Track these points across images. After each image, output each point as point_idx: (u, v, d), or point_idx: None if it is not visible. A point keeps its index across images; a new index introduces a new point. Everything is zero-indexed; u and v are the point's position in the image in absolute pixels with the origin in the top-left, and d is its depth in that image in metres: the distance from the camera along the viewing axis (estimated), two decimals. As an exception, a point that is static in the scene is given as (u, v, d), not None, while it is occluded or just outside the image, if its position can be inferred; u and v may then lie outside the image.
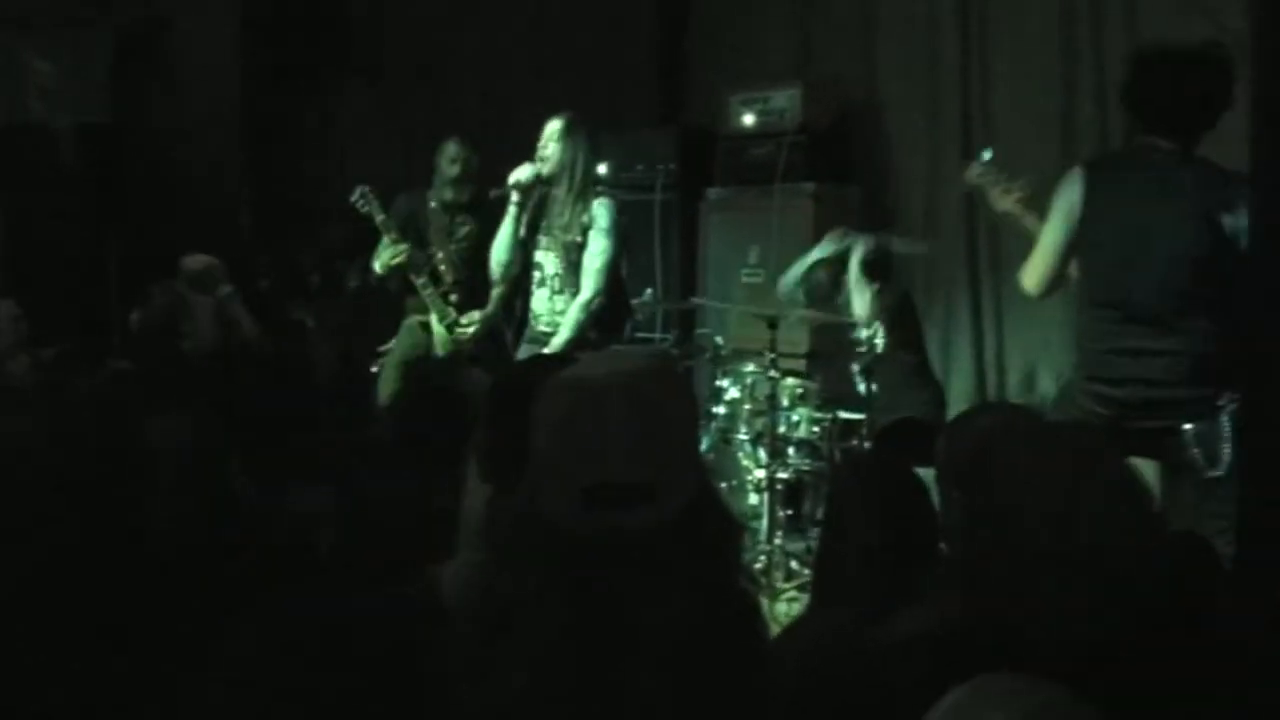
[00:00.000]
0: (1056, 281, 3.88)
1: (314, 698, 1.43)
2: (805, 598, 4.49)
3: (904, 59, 6.52)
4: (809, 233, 6.15)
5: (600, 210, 4.87)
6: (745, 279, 6.43)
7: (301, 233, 7.41)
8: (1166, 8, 5.42)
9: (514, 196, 4.96)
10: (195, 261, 5.38)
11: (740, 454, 5.36)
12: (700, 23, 7.52)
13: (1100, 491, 1.96)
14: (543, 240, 4.99)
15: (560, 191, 4.89)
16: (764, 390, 5.13)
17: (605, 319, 4.92)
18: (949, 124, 6.33)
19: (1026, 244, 4.01)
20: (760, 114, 6.52)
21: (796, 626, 2.62)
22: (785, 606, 4.66)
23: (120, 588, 1.42)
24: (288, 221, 7.57)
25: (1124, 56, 4.13)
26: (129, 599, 1.43)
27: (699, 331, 6.35)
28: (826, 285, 5.44)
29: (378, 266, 5.66)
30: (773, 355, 5.02)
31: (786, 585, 4.85)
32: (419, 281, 5.58)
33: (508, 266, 5.10)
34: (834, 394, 5.37)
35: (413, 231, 5.69)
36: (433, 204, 5.72)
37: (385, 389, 5.75)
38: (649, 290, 6.05)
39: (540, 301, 5.04)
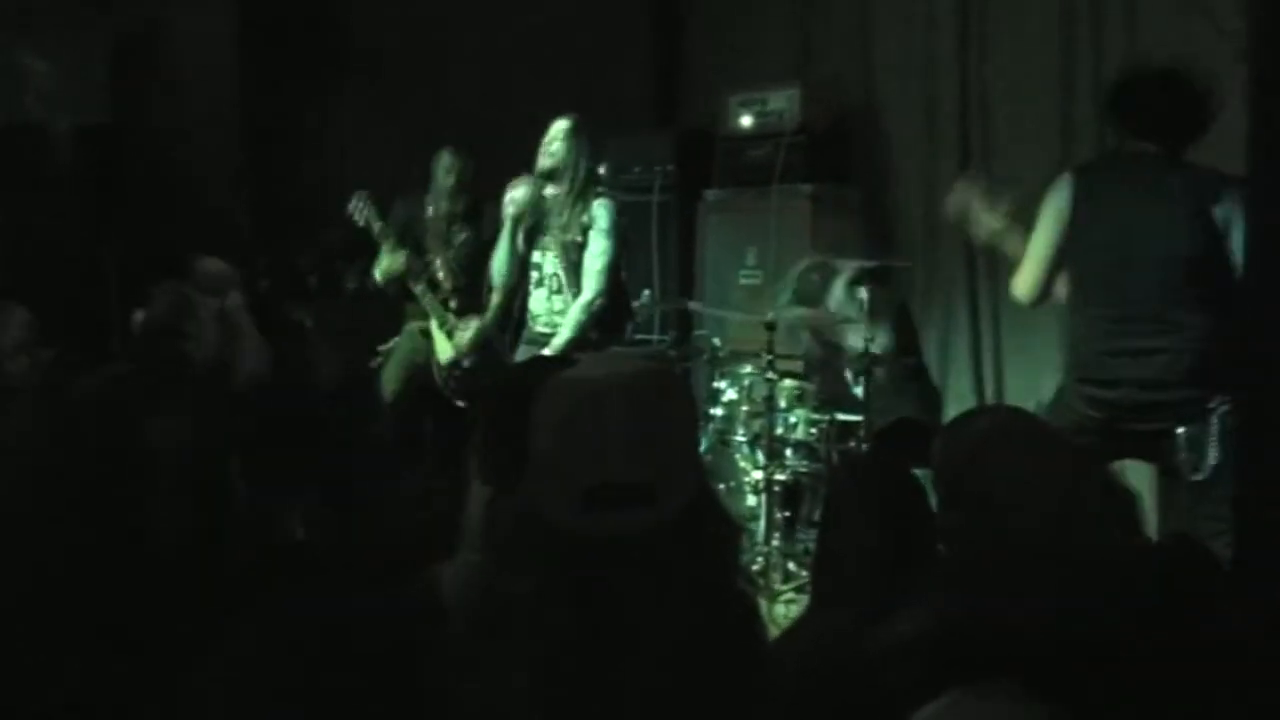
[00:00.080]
0: (1048, 288, 3.89)
1: (314, 698, 1.44)
2: (803, 599, 4.49)
3: (902, 60, 6.52)
4: (807, 234, 6.17)
5: (600, 211, 4.87)
6: (743, 280, 6.43)
7: (300, 234, 7.41)
8: (1166, 9, 5.43)
9: (510, 212, 4.98)
10: (211, 264, 5.39)
11: (738, 456, 5.36)
12: (698, 24, 7.52)
13: (1095, 493, 1.97)
14: (542, 240, 5.00)
15: (561, 191, 4.90)
16: (761, 392, 5.13)
17: (606, 320, 4.93)
18: (947, 125, 6.33)
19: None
20: (758, 115, 6.52)
21: (795, 628, 2.62)
22: (783, 608, 4.66)
23: (120, 588, 1.42)
24: (286, 222, 7.56)
25: (1117, 69, 4.16)
26: (129, 599, 1.43)
27: (696, 333, 6.35)
28: (818, 286, 5.46)
29: (378, 275, 5.72)
30: (770, 357, 5.01)
31: (784, 587, 4.85)
32: (417, 288, 5.62)
33: (507, 277, 5.12)
34: (831, 396, 5.37)
35: (411, 238, 5.74)
36: (430, 210, 5.75)
37: (388, 388, 5.80)
38: (646, 291, 6.06)
39: (538, 301, 5.04)
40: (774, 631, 3.55)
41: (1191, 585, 2.26)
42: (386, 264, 5.66)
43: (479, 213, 5.63)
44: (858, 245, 5.78)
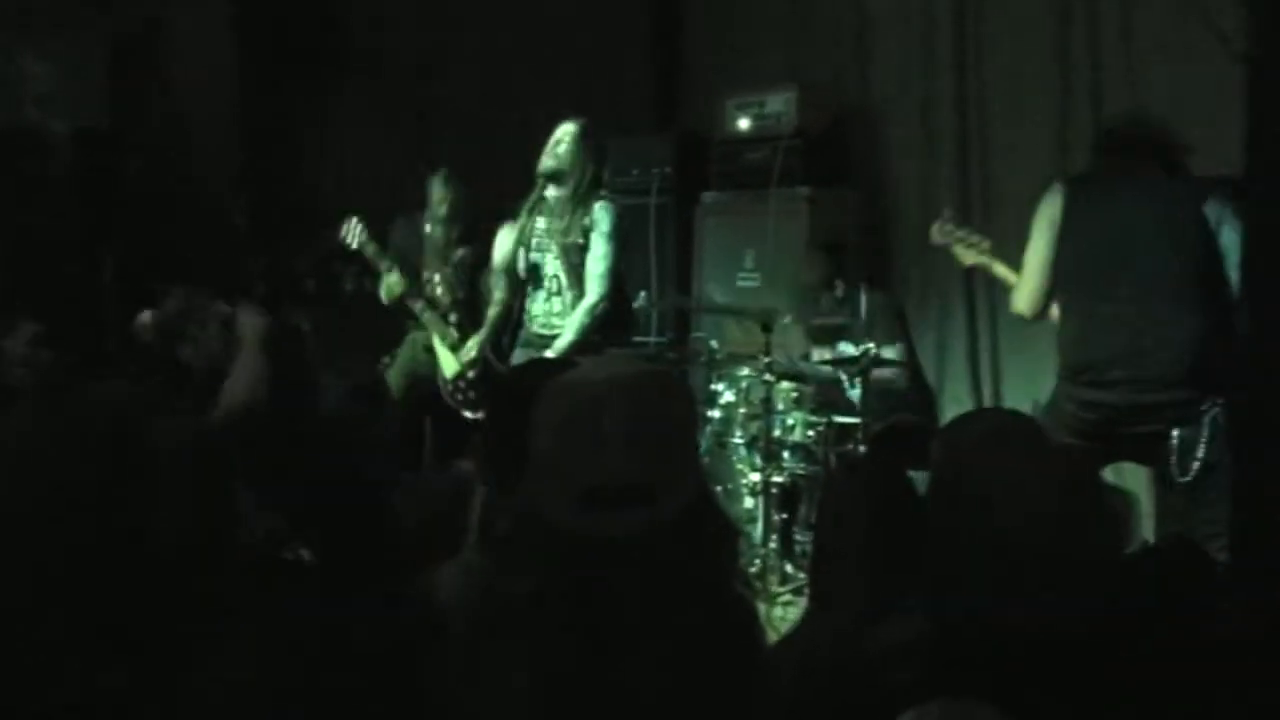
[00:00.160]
0: (1049, 298, 3.90)
1: (314, 698, 1.44)
2: (801, 601, 4.50)
3: (899, 62, 6.53)
4: (804, 236, 6.17)
5: (602, 213, 4.87)
6: (741, 283, 6.43)
7: (299, 236, 7.41)
8: (1162, 12, 5.44)
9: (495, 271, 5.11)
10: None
11: (735, 458, 5.36)
12: (695, 27, 7.53)
13: (1090, 496, 1.97)
14: (542, 242, 4.99)
15: (564, 194, 4.90)
16: (759, 394, 5.13)
17: (608, 324, 4.93)
18: (944, 128, 6.33)
19: (1016, 258, 4.05)
20: (756, 118, 6.53)
21: (792, 633, 2.62)
22: (781, 610, 4.66)
23: (120, 588, 1.43)
24: (285, 225, 7.56)
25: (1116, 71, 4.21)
26: (129, 599, 1.43)
27: (694, 335, 6.36)
28: (817, 279, 5.50)
29: (384, 298, 5.79)
30: (768, 359, 5.02)
31: (782, 589, 4.85)
32: (417, 306, 5.69)
33: (505, 296, 5.18)
34: (827, 399, 5.38)
35: (411, 256, 5.84)
36: (429, 228, 5.87)
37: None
38: (643, 293, 6.06)
39: (537, 303, 5.04)
40: (772, 635, 3.55)
41: (1188, 587, 2.27)
42: (387, 286, 5.74)
43: (475, 233, 5.70)
44: (855, 247, 5.78)
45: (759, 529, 5.02)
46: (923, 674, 1.87)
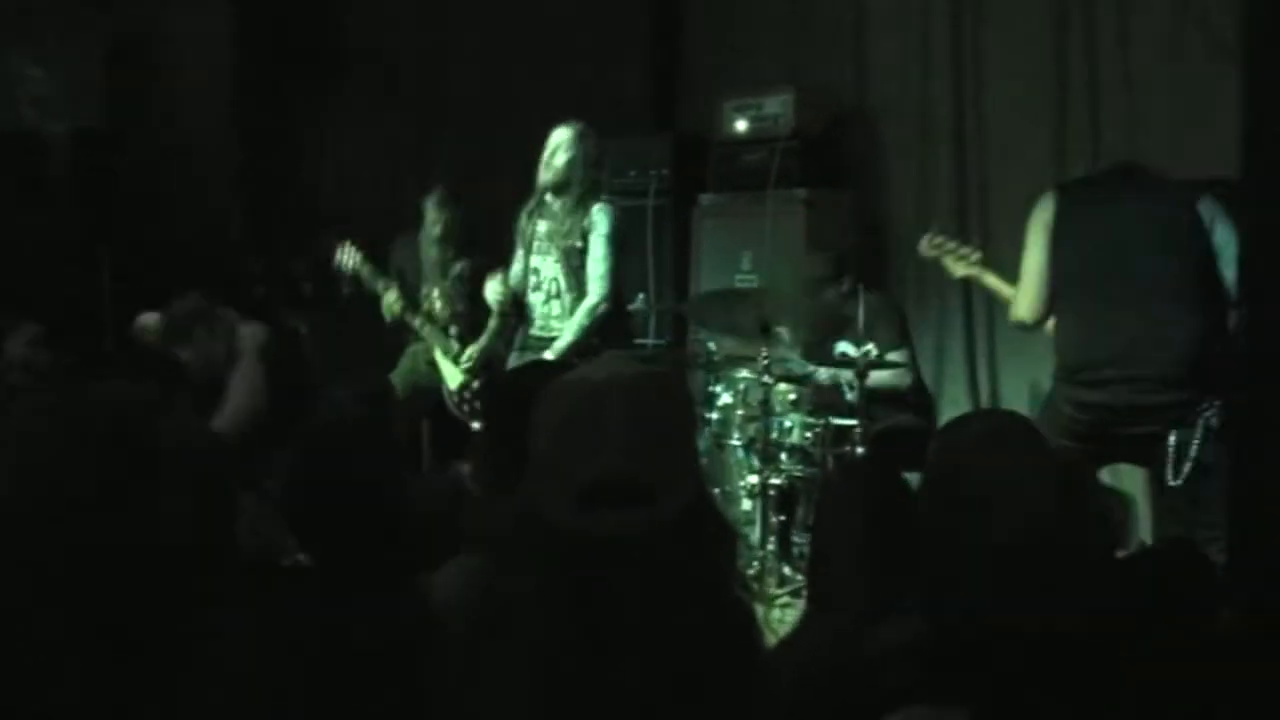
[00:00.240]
0: (1048, 304, 3.90)
1: (314, 698, 1.44)
2: (799, 603, 4.50)
3: (896, 65, 6.53)
4: (802, 239, 6.17)
5: (600, 215, 4.88)
6: (738, 284, 6.43)
7: (296, 239, 7.42)
8: (1158, 14, 5.45)
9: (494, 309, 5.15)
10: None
11: (733, 460, 5.36)
12: (693, 29, 7.52)
13: (1086, 497, 1.98)
14: (542, 245, 4.99)
15: (564, 200, 4.90)
16: (757, 396, 5.13)
17: (607, 327, 4.93)
18: (941, 130, 6.34)
19: (1013, 260, 4.06)
20: (753, 120, 6.52)
21: (791, 636, 2.63)
22: (779, 613, 4.65)
23: (120, 588, 1.43)
24: (281, 228, 7.57)
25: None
26: (129, 599, 1.43)
27: (692, 338, 6.36)
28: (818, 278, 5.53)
29: (386, 316, 5.86)
30: (766, 361, 5.01)
31: (779, 591, 4.84)
32: (416, 321, 5.73)
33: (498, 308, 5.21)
34: (825, 401, 5.38)
35: (411, 275, 5.94)
36: (424, 248, 5.95)
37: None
38: (641, 296, 6.06)
39: (535, 306, 5.04)
40: (770, 637, 3.56)
41: (1186, 588, 2.27)
42: (386, 304, 5.82)
43: (473, 246, 5.76)
44: (852, 249, 5.78)
45: (757, 531, 5.01)
46: (921, 675, 1.87)
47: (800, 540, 5.08)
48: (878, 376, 5.07)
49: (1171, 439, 3.61)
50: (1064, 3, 5.86)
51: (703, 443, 5.28)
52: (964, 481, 2.04)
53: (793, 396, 5.27)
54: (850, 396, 5.13)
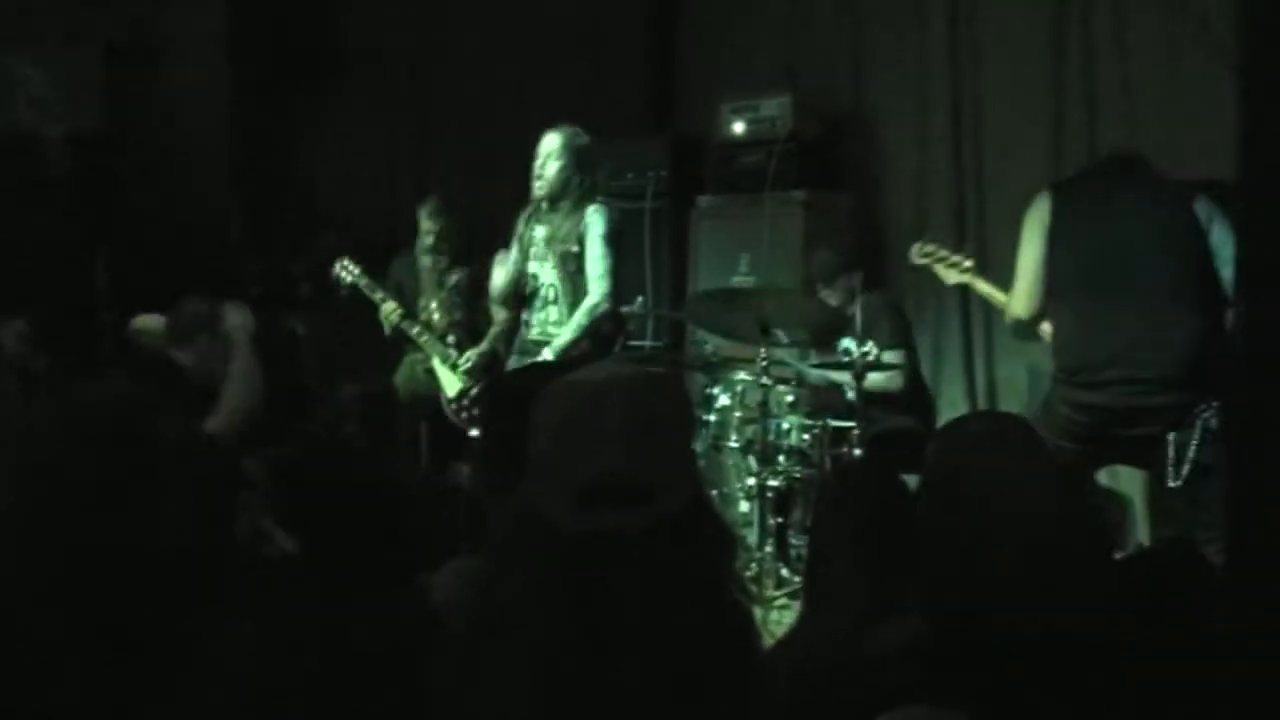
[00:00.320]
0: (1044, 300, 3.90)
1: (314, 698, 1.44)
2: (796, 605, 4.49)
3: (893, 66, 6.54)
4: (800, 240, 6.18)
5: (595, 217, 4.86)
6: (736, 287, 6.43)
7: (292, 241, 7.42)
8: (1155, 15, 5.45)
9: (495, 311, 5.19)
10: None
11: (731, 462, 5.36)
12: (690, 31, 7.53)
13: (1084, 498, 1.98)
14: (539, 250, 4.98)
15: (560, 206, 4.89)
16: (755, 398, 5.13)
17: (602, 330, 4.91)
18: (939, 131, 6.34)
19: (1011, 261, 4.06)
20: (750, 122, 6.52)
21: (789, 636, 2.63)
22: (777, 615, 4.65)
23: (120, 588, 1.43)
24: (278, 230, 7.57)
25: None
26: (129, 599, 1.43)
27: (691, 339, 6.37)
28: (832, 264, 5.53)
29: (386, 328, 5.92)
30: (764, 363, 5.02)
31: (777, 593, 4.84)
32: (414, 331, 5.77)
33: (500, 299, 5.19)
34: (823, 403, 5.38)
35: (410, 289, 6.04)
36: (420, 259, 6.06)
37: None
38: (639, 298, 6.06)
39: (534, 310, 5.04)
40: (768, 639, 3.56)
41: (1184, 589, 2.27)
42: (384, 314, 5.89)
43: (470, 255, 5.81)
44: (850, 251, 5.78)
45: (754, 533, 5.02)
46: (921, 675, 1.87)
47: (798, 542, 5.09)
48: (870, 378, 5.08)
49: (1170, 440, 3.61)
50: (1061, 5, 5.86)
51: (700, 445, 5.29)
52: (963, 482, 2.05)
53: (790, 398, 5.27)
54: (849, 396, 5.13)
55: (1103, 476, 4.43)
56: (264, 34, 7.52)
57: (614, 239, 4.90)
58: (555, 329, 4.92)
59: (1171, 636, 2.07)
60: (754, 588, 4.79)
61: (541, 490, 1.64)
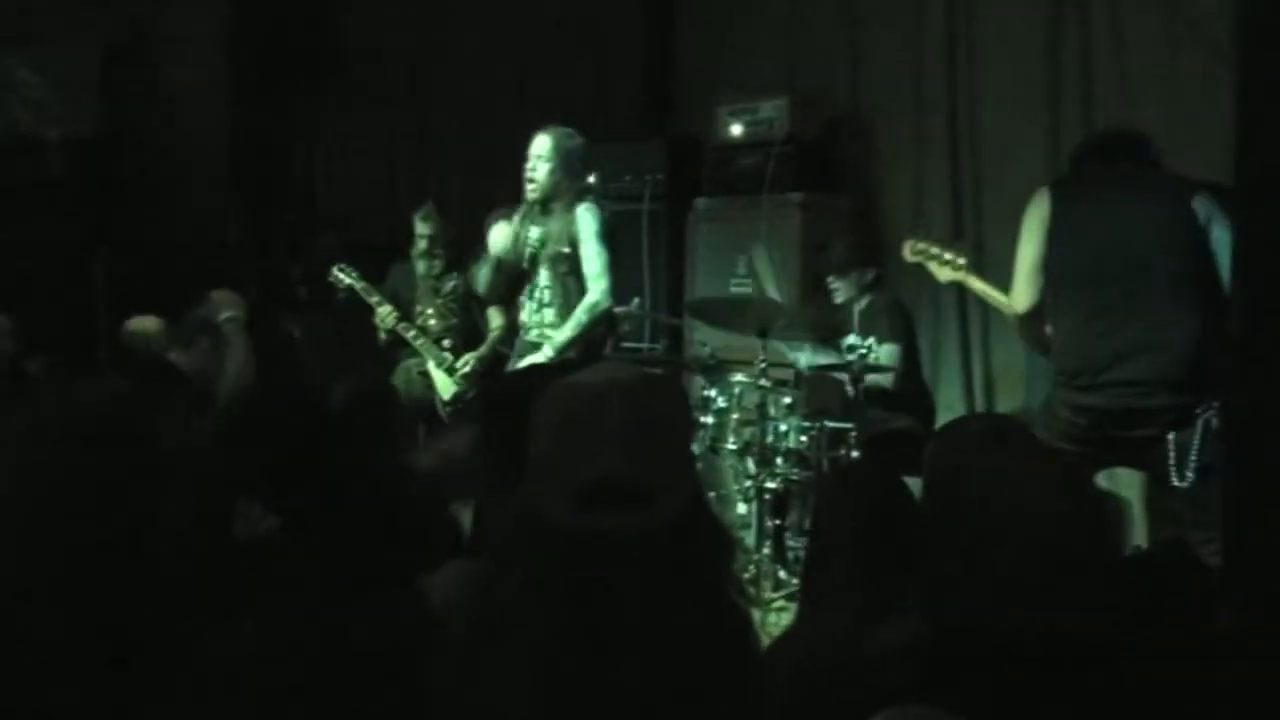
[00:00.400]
0: (1043, 293, 3.88)
1: (314, 698, 1.44)
2: (794, 607, 4.49)
3: (890, 68, 6.54)
4: (797, 243, 6.18)
5: (586, 216, 4.83)
6: (734, 289, 6.44)
7: (289, 245, 7.43)
8: (1152, 18, 5.45)
9: (492, 252, 5.05)
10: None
11: (728, 464, 5.36)
12: (688, 33, 7.53)
13: (1085, 498, 1.98)
14: (534, 252, 4.97)
15: (553, 207, 4.87)
16: (752, 400, 5.13)
17: (597, 332, 4.89)
18: (936, 133, 6.34)
19: (1009, 261, 4.05)
20: (748, 124, 6.53)
21: (787, 636, 2.63)
22: (775, 617, 4.65)
23: (120, 587, 1.43)
24: (277, 231, 7.58)
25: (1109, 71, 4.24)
26: (129, 599, 1.44)
27: (689, 341, 6.37)
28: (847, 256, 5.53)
29: (381, 333, 5.94)
30: (762, 365, 5.02)
31: (775, 595, 4.83)
32: (410, 334, 5.78)
33: (489, 293, 5.16)
34: (820, 405, 5.39)
35: (406, 297, 6.05)
36: (417, 263, 6.09)
37: None
38: (636, 299, 6.06)
39: (529, 313, 5.03)
40: (766, 640, 3.55)
41: (1182, 591, 2.27)
42: (380, 317, 5.91)
43: (462, 263, 5.83)
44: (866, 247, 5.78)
45: (752, 535, 5.01)
46: (921, 675, 1.87)
47: (795, 544, 5.08)
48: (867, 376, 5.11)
49: (1170, 440, 3.60)
50: (1058, 5, 5.87)
51: (698, 447, 5.28)
52: (963, 482, 2.05)
53: (788, 400, 5.27)
54: (848, 391, 5.15)
55: (1100, 478, 4.43)
56: (263, 34, 7.53)
57: (607, 236, 4.87)
58: (552, 330, 4.91)
59: (1170, 637, 2.07)
60: (752, 589, 4.79)
61: (541, 491, 1.64)
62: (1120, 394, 3.65)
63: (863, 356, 4.96)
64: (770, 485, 5.04)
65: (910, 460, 2.50)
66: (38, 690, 1.41)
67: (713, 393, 5.39)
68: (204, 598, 1.48)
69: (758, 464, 5.05)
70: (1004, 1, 6.11)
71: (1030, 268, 3.87)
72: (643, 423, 1.66)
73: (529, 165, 4.88)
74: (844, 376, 5.18)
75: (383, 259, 6.32)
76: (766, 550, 4.95)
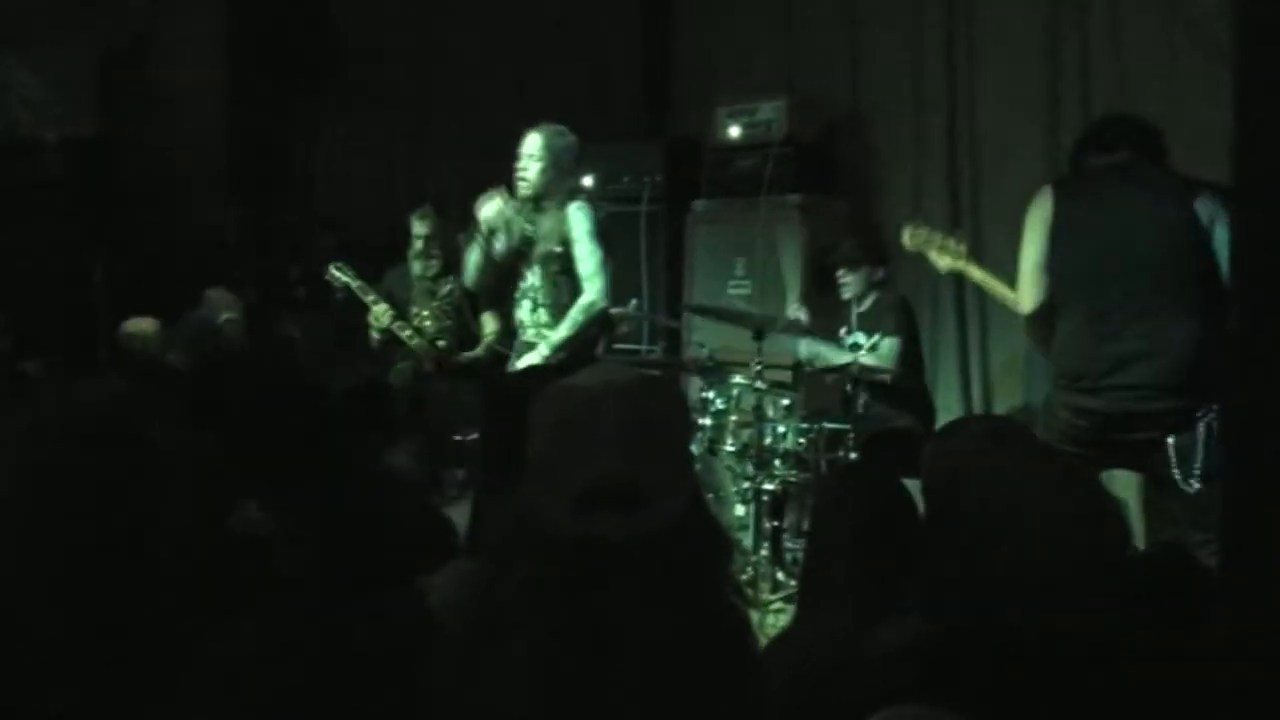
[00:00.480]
0: (1047, 292, 3.87)
1: (313, 698, 1.44)
2: (792, 609, 4.49)
3: (889, 70, 6.55)
4: (795, 244, 6.19)
5: (577, 216, 4.80)
6: (732, 290, 6.44)
7: (288, 245, 7.43)
8: (1151, 18, 5.46)
9: (481, 229, 4.94)
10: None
11: (726, 466, 5.36)
12: (687, 35, 7.54)
13: (1086, 498, 1.98)
14: (527, 252, 4.95)
15: (545, 206, 4.85)
16: (750, 402, 5.13)
17: (590, 333, 4.86)
18: (934, 135, 6.35)
19: (1008, 262, 4.05)
20: (746, 126, 6.54)
21: (785, 637, 2.62)
22: (772, 619, 4.65)
23: (120, 588, 1.43)
24: (276, 232, 7.58)
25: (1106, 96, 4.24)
26: (129, 599, 1.44)
27: (687, 343, 6.37)
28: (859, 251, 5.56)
29: (375, 334, 5.99)
30: (759, 367, 5.02)
31: (773, 597, 4.84)
32: (405, 334, 5.79)
33: (478, 283, 5.10)
34: (818, 406, 5.39)
35: (401, 300, 6.09)
36: (413, 264, 6.13)
37: None
38: (634, 301, 6.07)
39: (525, 313, 5.03)
40: (764, 642, 3.55)
41: (1181, 593, 2.27)
42: (374, 315, 5.95)
43: (458, 266, 5.86)
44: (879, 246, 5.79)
45: (750, 536, 5.01)
46: (921, 675, 1.87)
47: (793, 546, 5.09)
48: (864, 358, 5.14)
49: (1170, 443, 3.59)
50: (1056, 6, 5.87)
51: (696, 448, 5.28)
52: (962, 483, 2.05)
53: (786, 402, 5.27)
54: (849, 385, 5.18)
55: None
56: (262, 35, 7.52)
57: (599, 235, 4.84)
58: (549, 330, 4.90)
59: (1170, 637, 2.07)
60: (749, 591, 4.79)
61: (539, 493, 1.64)
62: (1121, 398, 3.64)
63: (857, 347, 4.98)
64: (768, 487, 5.04)
65: (910, 462, 2.51)
66: (38, 690, 1.40)
67: (711, 394, 5.40)
68: (204, 598, 1.48)
69: (755, 466, 5.05)
70: (1003, 2, 6.12)
71: (1034, 268, 3.86)
72: (640, 425, 1.66)
73: (520, 165, 4.86)
74: (843, 368, 5.20)
75: (381, 259, 6.33)
76: (764, 552, 4.95)
